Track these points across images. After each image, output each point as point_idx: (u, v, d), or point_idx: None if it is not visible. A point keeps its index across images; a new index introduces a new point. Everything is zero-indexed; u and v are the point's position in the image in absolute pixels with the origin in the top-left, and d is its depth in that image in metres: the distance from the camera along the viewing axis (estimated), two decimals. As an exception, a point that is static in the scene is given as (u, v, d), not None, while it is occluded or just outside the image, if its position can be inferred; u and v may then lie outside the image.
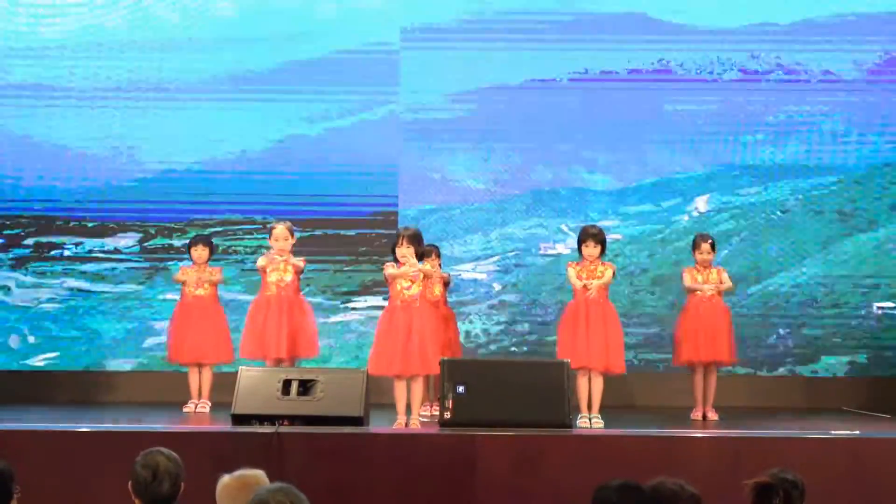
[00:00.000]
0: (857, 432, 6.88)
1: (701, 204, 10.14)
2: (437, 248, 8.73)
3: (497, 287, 10.17)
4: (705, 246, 8.33)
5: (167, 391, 9.05)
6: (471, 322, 10.05)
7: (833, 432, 6.78)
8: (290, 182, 10.09)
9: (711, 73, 10.14)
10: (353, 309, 9.99)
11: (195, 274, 8.64)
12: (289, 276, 8.02)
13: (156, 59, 10.08)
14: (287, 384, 6.63)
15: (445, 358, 6.90)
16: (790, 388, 9.79)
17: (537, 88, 10.14)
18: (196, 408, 8.43)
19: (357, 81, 10.08)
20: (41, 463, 5.95)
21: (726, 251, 9.92)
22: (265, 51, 10.09)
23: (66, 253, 10.06)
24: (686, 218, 10.03)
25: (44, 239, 10.06)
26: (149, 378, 9.71)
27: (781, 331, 10.08)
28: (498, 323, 10.12)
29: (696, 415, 8.23)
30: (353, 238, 10.08)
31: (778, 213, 10.15)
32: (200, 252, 8.69)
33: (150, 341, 9.92)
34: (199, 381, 8.52)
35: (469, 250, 10.18)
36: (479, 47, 10.11)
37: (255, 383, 6.65)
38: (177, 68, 10.07)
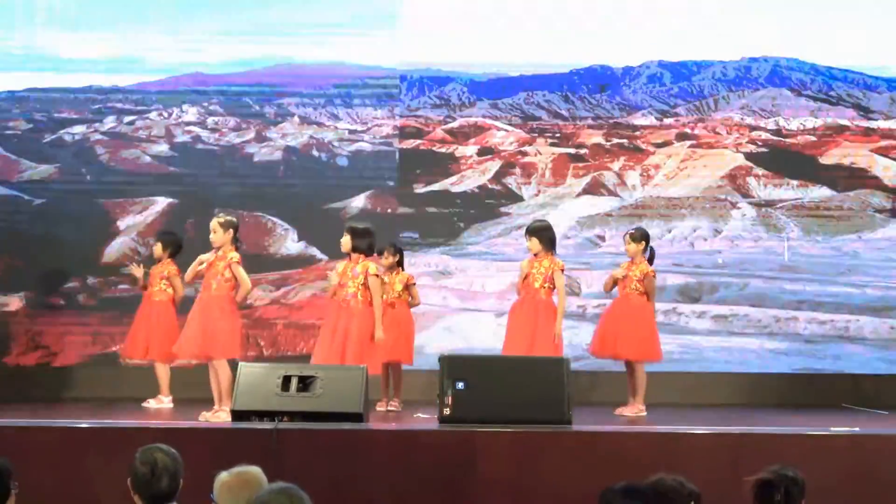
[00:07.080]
0: (857, 429, 7.27)
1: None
2: (394, 244, 9.09)
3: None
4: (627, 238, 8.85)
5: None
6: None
7: (833, 429, 7.19)
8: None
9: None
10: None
11: (155, 270, 9.09)
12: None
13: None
14: (287, 380, 7.03)
15: (445, 354, 7.27)
16: (790, 385, 10.10)
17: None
18: (157, 404, 8.84)
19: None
20: (39, 459, 6.29)
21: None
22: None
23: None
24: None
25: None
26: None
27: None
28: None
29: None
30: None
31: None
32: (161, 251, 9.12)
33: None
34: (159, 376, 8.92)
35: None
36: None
37: (255, 380, 7.06)
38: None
